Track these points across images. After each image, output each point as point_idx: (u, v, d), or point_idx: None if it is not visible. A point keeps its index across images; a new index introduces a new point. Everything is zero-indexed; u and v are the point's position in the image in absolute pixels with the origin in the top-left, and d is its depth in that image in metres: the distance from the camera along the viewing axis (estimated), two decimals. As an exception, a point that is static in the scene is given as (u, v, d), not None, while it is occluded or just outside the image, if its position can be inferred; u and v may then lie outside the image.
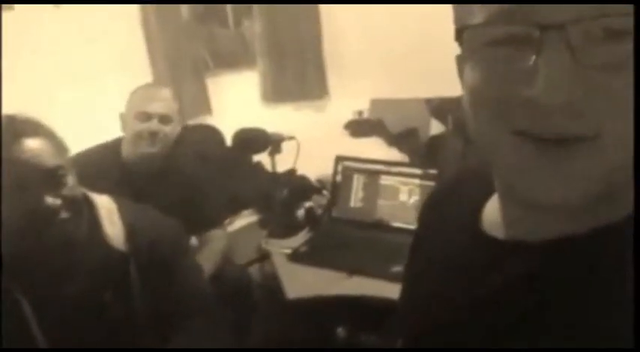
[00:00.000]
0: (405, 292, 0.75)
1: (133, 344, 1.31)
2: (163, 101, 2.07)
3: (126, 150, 2.09)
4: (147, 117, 2.03)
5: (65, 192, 1.20)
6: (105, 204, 1.35)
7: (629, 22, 0.42)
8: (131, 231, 1.33)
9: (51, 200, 1.17)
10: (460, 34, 0.50)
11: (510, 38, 0.45)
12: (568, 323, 0.48)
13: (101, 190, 1.41)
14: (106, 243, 1.29)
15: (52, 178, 1.19)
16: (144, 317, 1.31)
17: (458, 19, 0.53)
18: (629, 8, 0.42)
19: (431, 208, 0.79)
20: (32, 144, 1.18)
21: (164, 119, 2.04)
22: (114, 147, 2.12)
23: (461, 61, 0.54)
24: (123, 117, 2.10)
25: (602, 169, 0.46)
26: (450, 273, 0.63)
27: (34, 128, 1.21)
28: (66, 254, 1.24)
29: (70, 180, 1.23)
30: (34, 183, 1.16)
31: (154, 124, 2.02)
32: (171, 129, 2.07)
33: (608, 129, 0.44)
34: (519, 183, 0.49)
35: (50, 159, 1.19)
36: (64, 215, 1.20)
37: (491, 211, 0.61)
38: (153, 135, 2.02)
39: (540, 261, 0.52)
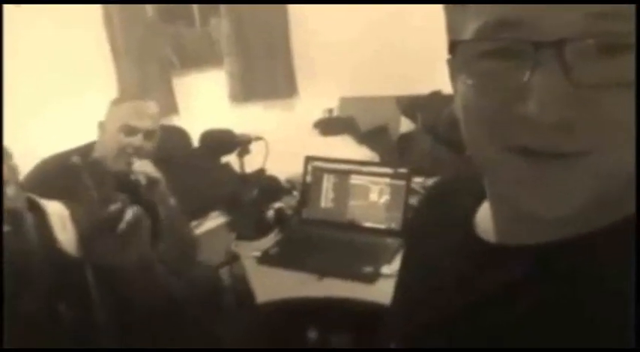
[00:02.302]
0: (397, 294, 0.76)
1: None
2: (151, 118, 2.07)
3: (107, 165, 2.05)
4: (133, 132, 2.01)
5: (5, 201, 1.16)
6: (56, 211, 1.31)
7: (624, 38, 0.41)
8: (84, 235, 1.29)
9: None
10: (453, 48, 0.50)
11: (503, 52, 0.45)
12: (562, 327, 0.48)
13: (69, 196, 1.38)
14: (58, 250, 1.26)
15: None
16: (105, 327, 1.27)
17: (450, 32, 0.52)
18: (625, 24, 0.41)
19: (423, 211, 0.80)
20: None
21: (149, 135, 2.04)
22: (85, 153, 2.08)
23: (453, 66, 0.54)
24: (102, 127, 2.08)
25: (596, 183, 0.46)
26: (443, 276, 0.63)
27: None
28: (15, 266, 1.20)
29: (10, 190, 1.19)
30: None
31: (138, 140, 2.01)
32: (153, 144, 2.06)
33: (601, 145, 0.44)
34: (512, 196, 0.50)
35: None
36: (4, 228, 1.15)
37: (484, 215, 0.62)
38: (137, 150, 2.00)
39: (533, 265, 0.52)
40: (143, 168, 1.91)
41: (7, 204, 1.17)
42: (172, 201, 1.99)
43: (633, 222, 0.47)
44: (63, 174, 1.91)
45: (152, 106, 2.10)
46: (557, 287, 0.49)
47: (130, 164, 1.95)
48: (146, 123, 2.03)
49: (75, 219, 1.32)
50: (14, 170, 1.24)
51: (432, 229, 0.71)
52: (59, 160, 2.06)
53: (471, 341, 0.55)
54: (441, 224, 0.69)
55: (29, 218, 1.24)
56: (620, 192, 0.47)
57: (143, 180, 1.88)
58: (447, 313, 0.59)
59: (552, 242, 0.51)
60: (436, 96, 2.76)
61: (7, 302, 1.18)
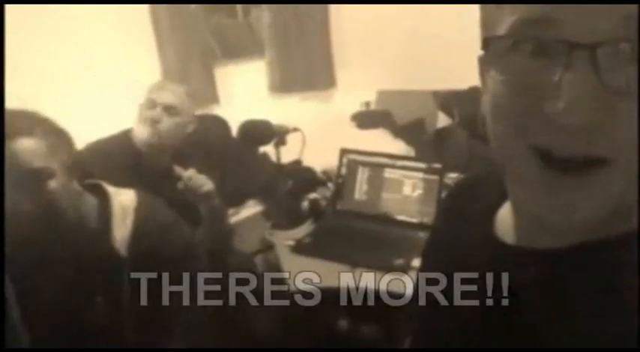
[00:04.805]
0: (417, 289, 0.76)
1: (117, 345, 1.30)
2: (172, 92, 2.09)
3: (134, 138, 2.10)
4: (153, 104, 2.05)
5: (44, 195, 1.17)
6: (124, 202, 1.33)
7: None
8: (138, 235, 1.31)
9: (26, 206, 1.14)
10: (487, 43, 0.50)
11: (536, 50, 0.45)
12: (574, 331, 0.48)
13: (114, 182, 1.42)
14: (110, 248, 1.28)
15: (32, 180, 1.15)
16: (131, 322, 1.30)
17: (484, 28, 0.52)
18: None
19: (447, 207, 0.80)
20: (23, 145, 1.14)
21: (169, 109, 2.06)
22: (124, 138, 2.14)
23: (483, 63, 0.54)
24: (139, 108, 2.13)
25: (614, 195, 0.46)
26: (460, 272, 0.63)
27: (29, 126, 1.17)
28: (49, 250, 1.22)
29: (54, 183, 1.18)
30: (15, 184, 1.12)
31: (156, 112, 2.04)
32: (177, 123, 2.08)
33: (625, 154, 0.44)
34: (527, 199, 0.50)
35: (36, 160, 1.14)
36: (37, 222, 1.16)
37: (505, 216, 0.62)
38: (154, 122, 2.03)
39: (549, 268, 0.52)
40: (196, 182, 1.91)
41: (46, 196, 1.16)
42: (217, 201, 2.00)
43: None
44: (119, 159, 1.97)
45: (176, 85, 2.14)
46: (571, 292, 0.50)
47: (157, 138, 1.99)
48: (164, 96, 2.06)
49: (137, 213, 1.32)
50: (67, 160, 1.23)
51: (455, 224, 0.71)
52: (111, 144, 2.12)
53: (481, 341, 0.56)
54: (464, 220, 0.69)
55: (91, 204, 1.25)
56: (635, 202, 0.48)
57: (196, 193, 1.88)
58: (461, 311, 0.60)
59: (568, 247, 0.51)
60: (474, 91, 2.74)
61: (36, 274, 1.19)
